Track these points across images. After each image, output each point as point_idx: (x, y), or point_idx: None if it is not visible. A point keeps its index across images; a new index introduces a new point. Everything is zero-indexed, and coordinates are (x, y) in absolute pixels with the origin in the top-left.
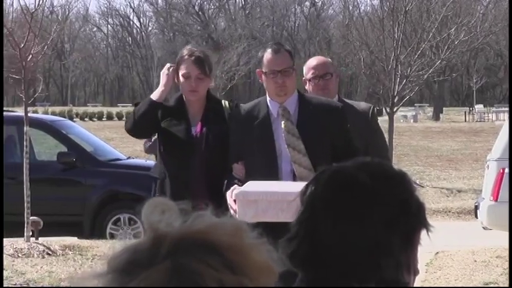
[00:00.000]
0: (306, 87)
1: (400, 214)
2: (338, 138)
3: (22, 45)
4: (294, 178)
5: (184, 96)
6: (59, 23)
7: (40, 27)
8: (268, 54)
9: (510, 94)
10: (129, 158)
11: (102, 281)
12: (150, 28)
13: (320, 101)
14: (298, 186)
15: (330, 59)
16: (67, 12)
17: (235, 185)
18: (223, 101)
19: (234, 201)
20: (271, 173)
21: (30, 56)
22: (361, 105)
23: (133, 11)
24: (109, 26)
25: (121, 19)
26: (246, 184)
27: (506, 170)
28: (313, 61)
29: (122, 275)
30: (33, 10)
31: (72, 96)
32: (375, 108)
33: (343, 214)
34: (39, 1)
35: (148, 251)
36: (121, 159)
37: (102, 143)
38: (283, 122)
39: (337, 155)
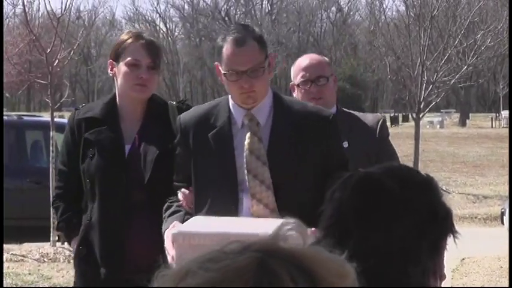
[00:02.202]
0: (295, 94)
1: (428, 221)
2: (328, 159)
3: (49, 50)
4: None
5: (117, 101)
6: (86, 28)
7: (66, 32)
8: (228, 48)
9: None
10: None
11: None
12: (176, 33)
13: (305, 107)
14: (260, 226)
15: (326, 58)
16: (93, 18)
17: (175, 222)
18: (169, 102)
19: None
20: (228, 204)
21: (57, 61)
22: (368, 117)
23: (159, 16)
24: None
25: (147, 24)
26: (188, 221)
27: None
28: (304, 61)
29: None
30: (60, 15)
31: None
32: (385, 121)
33: (372, 222)
34: (65, 6)
35: (226, 253)
36: None
37: None
38: (247, 137)
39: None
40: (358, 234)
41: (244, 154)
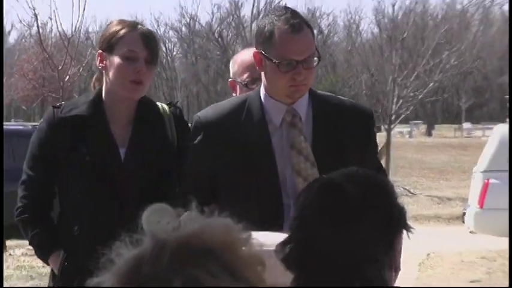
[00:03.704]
0: (236, 93)
1: (384, 221)
2: (368, 158)
3: (60, 67)
4: None
5: (103, 99)
6: (94, 48)
7: (76, 51)
8: (282, 34)
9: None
10: None
11: (109, 286)
12: (174, 53)
13: (342, 102)
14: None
15: None
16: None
17: None
18: (159, 104)
19: None
20: (270, 217)
21: (68, 77)
22: None
23: (159, 37)
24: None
25: None
26: None
27: (491, 181)
28: (248, 55)
29: (127, 283)
30: (70, 36)
31: None
32: None
33: (332, 222)
34: (75, 28)
35: (150, 260)
36: None
37: None
38: (294, 134)
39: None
40: (320, 235)
41: (291, 153)
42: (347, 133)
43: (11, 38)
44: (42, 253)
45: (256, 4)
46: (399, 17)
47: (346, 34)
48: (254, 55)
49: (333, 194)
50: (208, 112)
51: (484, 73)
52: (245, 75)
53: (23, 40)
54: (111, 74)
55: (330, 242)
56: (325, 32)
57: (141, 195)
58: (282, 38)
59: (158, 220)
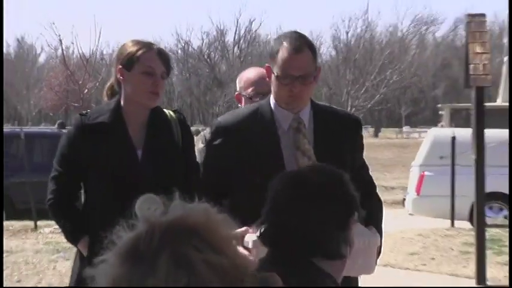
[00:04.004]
0: (242, 104)
1: (340, 205)
2: (357, 160)
3: (80, 82)
4: None
5: (122, 108)
6: (107, 66)
7: (93, 69)
8: (285, 52)
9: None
10: None
11: (115, 270)
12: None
13: (336, 111)
14: None
15: None
16: (113, 58)
17: (244, 228)
18: (166, 110)
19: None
20: None
21: (86, 90)
22: None
23: None
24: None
25: None
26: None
27: (426, 173)
28: (252, 73)
29: (130, 262)
30: (88, 57)
31: None
32: None
33: (298, 207)
34: (92, 51)
35: (144, 240)
36: None
37: None
38: (299, 138)
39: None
40: (288, 217)
41: (297, 154)
42: (342, 137)
43: (40, 59)
44: (72, 239)
45: (237, 32)
46: (352, 43)
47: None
48: (266, 68)
49: (300, 184)
50: (227, 118)
51: (420, 87)
52: (249, 90)
53: (51, 60)
54: (131, 86)
55: (296, 223)
56: None
57: (155, 188)
58: (284, 56)
59: (148, 207)
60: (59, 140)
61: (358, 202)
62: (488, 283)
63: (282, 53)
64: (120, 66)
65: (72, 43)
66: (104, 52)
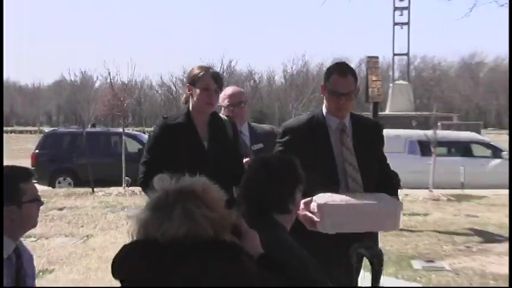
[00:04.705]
0: (221, 113)
1: (289, 179)
2: (379, 153)
3: (122, 99)
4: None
5: (191, 112)
6: (138, 89)
7: (129, 91)
8: (335, 75)
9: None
10: None
11: (144, 215)
12: (180, 91)
13: (365, 119)
14: (369, 199)
15: (242, 89)
16: (141, 83)
17: (309, 198)
18: (221, 115)
19: (310, 212)
20: (331, 184)
21: (125, 104)
22: (266, 127)
23: (172, 83)
24: (162, 90)
25: (165, 87)
26: (318, 196)
27: None
28: (229, 90)
29: (154, 211)
30: (127, 83)
31: (145, 123)
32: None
33: (262, 184)
34: (129, 79)
35: (163, 199)
36: None
37: None
38: (344, 137)
39: (379, 169)
40: (256, 190)
41: (342, 149)
42: (372, 137)
43: (96, 84)
44: None
45: (222, 67)
46: (295, 73)
47: (268, 82)
48: (321, 87)
49: (264, 166)
50: (292, 121)
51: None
52: (225, 101)
53: (102, 85)
54: (195, 98)
55: (260, 191)
56: (257, 81)
57: (217, 169)
58: (334, 78)
59: (163, 182)
60: (107, 137)
61: (303, 178)
62: None
63: (334, 77)
64: (188, 84)
65: (117, 74)
66: (137, 80)
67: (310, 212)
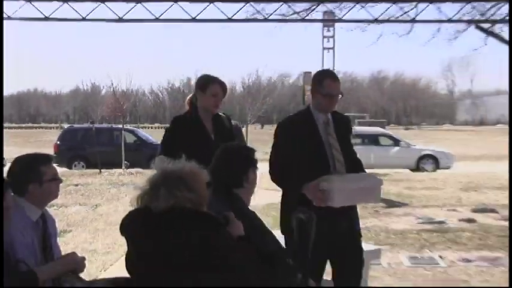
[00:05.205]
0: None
1: (244, 160)
2: (350, 141)
3: (122, 103)
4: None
5: (199, 111)
6: (135, 96)
7: (127, 97)
8: (329, 80)
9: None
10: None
11: (142, 189)
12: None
13: (340, 115)
14: (363, 179)
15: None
16: (137, 91)
17: (315, 181)
18: (220, 113)
19: (320, 191)
20: (324, 171)
21: (125, 107)
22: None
23: (160, 92)
24: (151, 96)
25: (155, 94)
26: (321, 179)
27: None
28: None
29: (149, 187)
30: (125, 91)
31: (139, 121)
32: (237, 124)
33: (225, 165)
34: (127, 88)
35: (154, 180)
36: (156, 142)
37: (149, 136)
38: (329, 128)
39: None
40: (218, 171)
41: (328, 137)
42: (346, 129)
43: (102, 92)
44: None
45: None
46: (251, 85)
47: (230, 91)
48: (311, 91)
49: (227, 151)
50: (287, 118)
51: (281, 106)
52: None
53: (107, 92)
54: (204, 101)
55: (222, 175)
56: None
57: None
58: (328, 82)
59: (162, 163)
60: (106, 131)
61: (255, 162)
62: None
63: (327, 81)
64: (199, 90)
65: (118, 84)
66: (133, 88)
67: (320, 191)
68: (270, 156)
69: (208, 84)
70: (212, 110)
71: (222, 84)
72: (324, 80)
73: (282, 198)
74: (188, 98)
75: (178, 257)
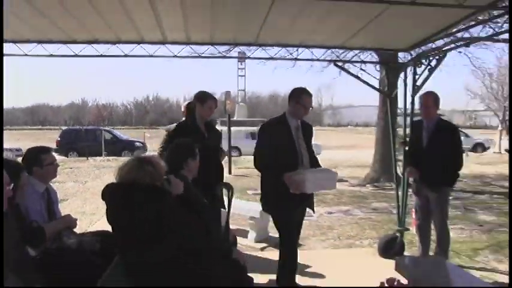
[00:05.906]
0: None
1: (184, 153)
2: (311, 143)
3: (104, 114)
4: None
5: (196, 118)
6: (112, 108)
7: (107, 110)
8: (307, 96)
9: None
10: (133, 140)
11: (121, 167)
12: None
13: (306, 122)
14: (325, 172)
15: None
16: (114, 104)
17: (293, 172)
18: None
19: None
20: (295, 164)
21: (105, 113)
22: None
23: (129, 104)
24: (122, 107)
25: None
26: (296, 172)
27: None
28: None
29: (126, 165)
30: (104, 104)
31: (115, 124)
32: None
33: (174, 151)
34: (106, 102)
35: (131, 160)
36: (126, 139)
37: (121, 134)
38: (298, 132)
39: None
40: (169, 158)
41: (298, 139)
42: (309, 133)
43: (89, 104)
44: None
45: (156, 96)
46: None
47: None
48: (292, 101)
49: (179, 145)
50: (268, 121)
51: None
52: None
53: (92, 105)
54: (201, 111)
55: (175, 156)
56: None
57: (213, 152)
58: (306, 98)
59: (140, 154)
60: (92, 131)
61: (194, 153)
62: None
63: (305, 96)
64: (198, 102)
65: (99, 99)
66: (111, 101)
67: (295, 180)
68: (255, 149)
69: (206, 99)
70: (206, 118)
71: (215, 101)
72: (303, 95)
73: (261, 182)
74: (184, 105)
75: (141, 213)
